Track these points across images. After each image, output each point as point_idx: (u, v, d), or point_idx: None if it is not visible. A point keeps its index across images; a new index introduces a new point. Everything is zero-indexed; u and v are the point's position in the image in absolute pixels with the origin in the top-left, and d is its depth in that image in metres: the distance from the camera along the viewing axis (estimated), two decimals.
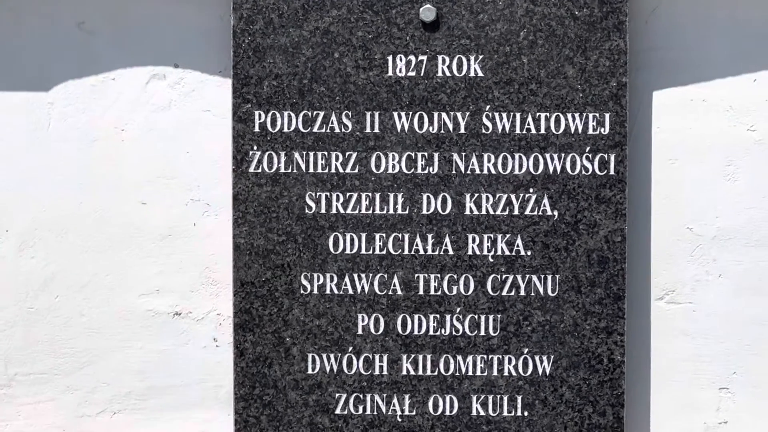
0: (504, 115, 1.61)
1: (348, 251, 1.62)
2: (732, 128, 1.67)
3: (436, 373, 1.66)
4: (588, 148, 1.60)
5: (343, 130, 1.63)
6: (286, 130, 1.63)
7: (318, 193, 1.62)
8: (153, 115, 1.72)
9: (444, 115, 1.62)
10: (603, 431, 1.61)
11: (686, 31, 1.67)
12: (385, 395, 1.64)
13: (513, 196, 1.61)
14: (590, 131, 1.61)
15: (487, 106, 1.61)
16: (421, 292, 1.62)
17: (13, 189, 1.74)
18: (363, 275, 1.64)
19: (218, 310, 1.72)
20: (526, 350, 1.62)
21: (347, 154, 1.63)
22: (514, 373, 1.64)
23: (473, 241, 1.61)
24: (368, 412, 1.65)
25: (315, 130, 1.63)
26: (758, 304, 1.66)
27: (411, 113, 1.62)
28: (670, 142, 1.68)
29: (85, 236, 1.71)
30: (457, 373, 1.64)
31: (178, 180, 1.72)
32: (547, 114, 1.61)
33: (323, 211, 1.62)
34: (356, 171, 1.63)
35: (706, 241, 1.66)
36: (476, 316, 1.63)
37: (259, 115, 1.63)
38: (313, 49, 1.63)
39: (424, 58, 1.62)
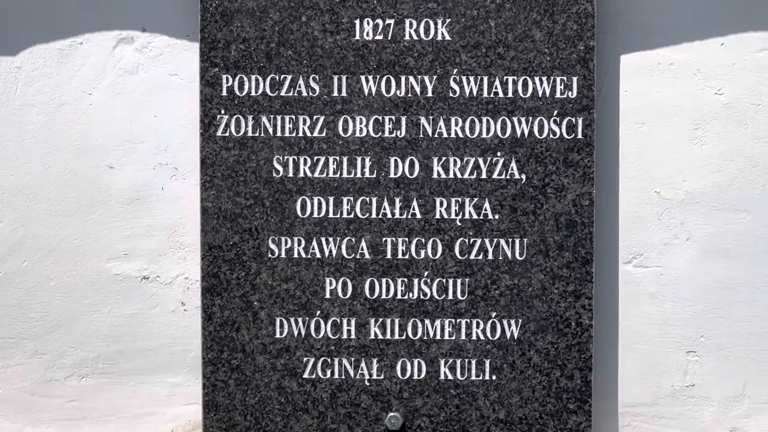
0: (471, 78, 1.57)
1: (315, 215, 1.58)
2: (699, 92, 1.64)
3: (404, 337, 1.62)
4: (555, 112, 1.56)
5: (310, 93, 1.58)
6: (253, 93, 1.58)
7: (285, 157, 1.57)
8: (120, 79, 1.69)
9: (411, 78, 1.58)
10: (571, 395, 1.57)
11: None
12: (353, 359, 1.61)
13: (480, 160, 1.57)
14: (558, 95, 1.57)
15: (455, 70, 1.57)
16: (388, 256, 1.58)
17: None
18: (331, 239, 1.60)
19: (186, 274, 1.70)
20: (494, 314, 1.58)
21: (315, 117, 1.59)
22: (482, 337, 1.61)
23: (441, 204, 1.57)
24: (336, 376, 1.62)
25: (282, 93, 1.59)
26: (725, 268, 1.65)
27: (378, 77, 1.58)
28: (638, 106, 1.65)
29: (53, 200, 1.68)
30: (425, 337, 1.61)
31: (145, 144, 1.69)
32: (515, 77, 1.56)
33: (291, 174, 1.58)
34: (324, 135, 1.58)
35: (673, 204, 1.64)
36: (444, 280, 1.59)
37: (227, 79, 1.58)
38: (280, 13, 1.57)
39: (392, 21, 1.57)
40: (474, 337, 1.62)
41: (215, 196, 1.59)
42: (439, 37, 1.60)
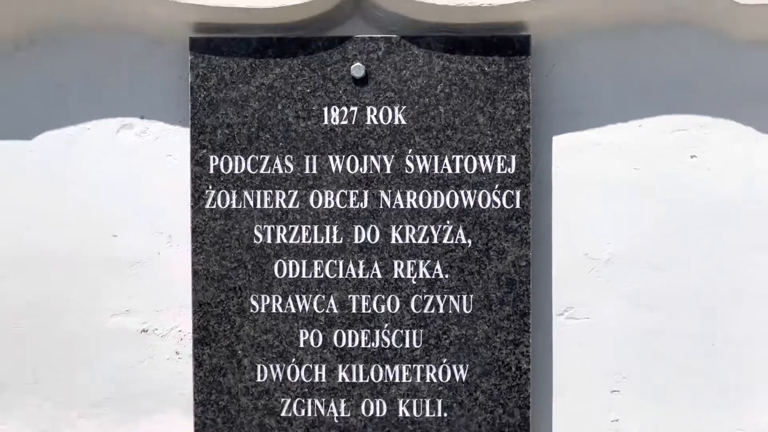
0: (424, 157, 1.64)
1: (291, 276, 1.66)
2: (621, 167, 1.73)
3: (367, 381, 1.68)
4: (497, 186, 1.64)
5: (285, 171, 1.66)
6: (236, 171, 1.66)
7: (264, 226, 1.65)
8: (122, 159, 1.75)
9: (372, 157, 1.65)
10: (512, 429, 1.65)
11: (581, 83, 1.72)
12: (323, 400, 1.67)
13: (432, 227, 1.64)
14: (499, 171, 1.65)
15: (410, 150, 1.64)
16: (354, 311, 1.66)
17: None
18: (304, 296, 1.67)
19: (180, 327, 1.76)
20: (445, 360, 1.66)
21: (289, 192, 1.66)
22: (434, 380, 1.67)
23: (398, 266, 1.65)
24: (309, 414, 1.68)
25: (261, 171, 1.66)
26: (645, 320, 1.73)
27: (344, 156, 1.65)
28: (568, 180, 1.72)
29: (65, 265, 1.76)
30: (386, 381, 1.67)
31: (144, 215, 1.75)
32: (461, 156, 1.64)
33: (269, 241, 1.66)
34: (297, 206, 1.65)
35: (600, 264, 1.72)
36: (402, 331, 1.66)
37: (214, 159, 1.66)
38: (259, 102, 1.65)
39: (355, 108, 1.65)
40: (428, 380, 1.67)
41: (204, 260, 1.67)
42: (396, 122, 1.65)
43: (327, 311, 1.66)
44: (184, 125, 1.72)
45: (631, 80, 1.70)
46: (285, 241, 1.66)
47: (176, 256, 1.78)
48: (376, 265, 1.66)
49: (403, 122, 1.64)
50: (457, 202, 1.64)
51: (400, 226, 1.64)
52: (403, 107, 1.65)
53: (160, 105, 1.76)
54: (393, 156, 1.65)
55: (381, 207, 1.65)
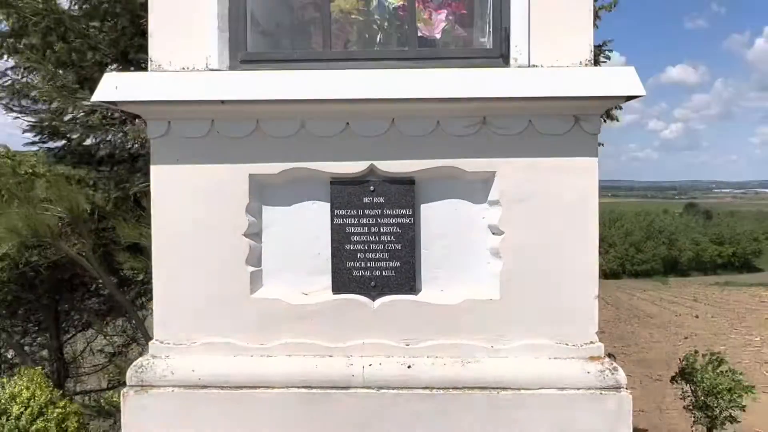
0: (388, 210, 4.26)
1: (357, 239, 4.34)
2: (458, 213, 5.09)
3: (372, 275, 4.40)
4: (407, 218, 4.26)
5: (356, 213, 4.30)
6: (343, 213, 4.36)
7: (351, 227, 4.33)
8: (314, 215, 4.54)
9: (377, 210, 4.30)
10: (410, 278, 4.62)
11: (430, 193, 4.75)
12: (364, 273, 4.40)
13: (391, 227, 4.21)
14: (406, 212, 4.32)
15: (385, 207, 4.26)
16: (372, 249, 4.35)
17: None
18: (360, 245, 4.35)
19: (327, 252, 4.48)
20: (395, 258, 4.31)
21: (356, 218, 4.32)
22: (391, 266, 4.34)
23: (384, 237, 4.46)
24: (360, 275, 4.46)
25: (348, 213, 4.44)
26: (443, 253, 4.99)
27: (370, 209, 4.32)
28: (427, 216, 4.79)
29: (300, 244, 5.12)
30: (379, 266, 4.34)
31: (319, 226, 4.44)
32: (397, 209, 4.27)
33: (351, 231, 4.35)
34: (357, 222, 4.31)
35: (432, 239, 5.24)
36: (383, 254, 4.38)
37: (335, 210, 4.38)
38: (347, 198, 4.43)
39: (371, 198, 4.24)
40: (389, 266, 4.36)
41: (335, 237, 4.40)
42: (381, 201, 4.29)
43: (366, 249, 4.35)
44: (328, 202, 4.36)
45: (446, 191, 4.95)
46: (354, 231, 4.34)
47: (326, 236, 4.37)
48: (379, 238, 4.35)
49: (383, 201, 4.26)
50: (398, 221, 4.28)
51: (384, 227, 4.26)
52: (383, 197, 4.25)
53: (322, 197, 4.39)
54: (381, 209, 4.31)
55: (379, 221, 4.33)
